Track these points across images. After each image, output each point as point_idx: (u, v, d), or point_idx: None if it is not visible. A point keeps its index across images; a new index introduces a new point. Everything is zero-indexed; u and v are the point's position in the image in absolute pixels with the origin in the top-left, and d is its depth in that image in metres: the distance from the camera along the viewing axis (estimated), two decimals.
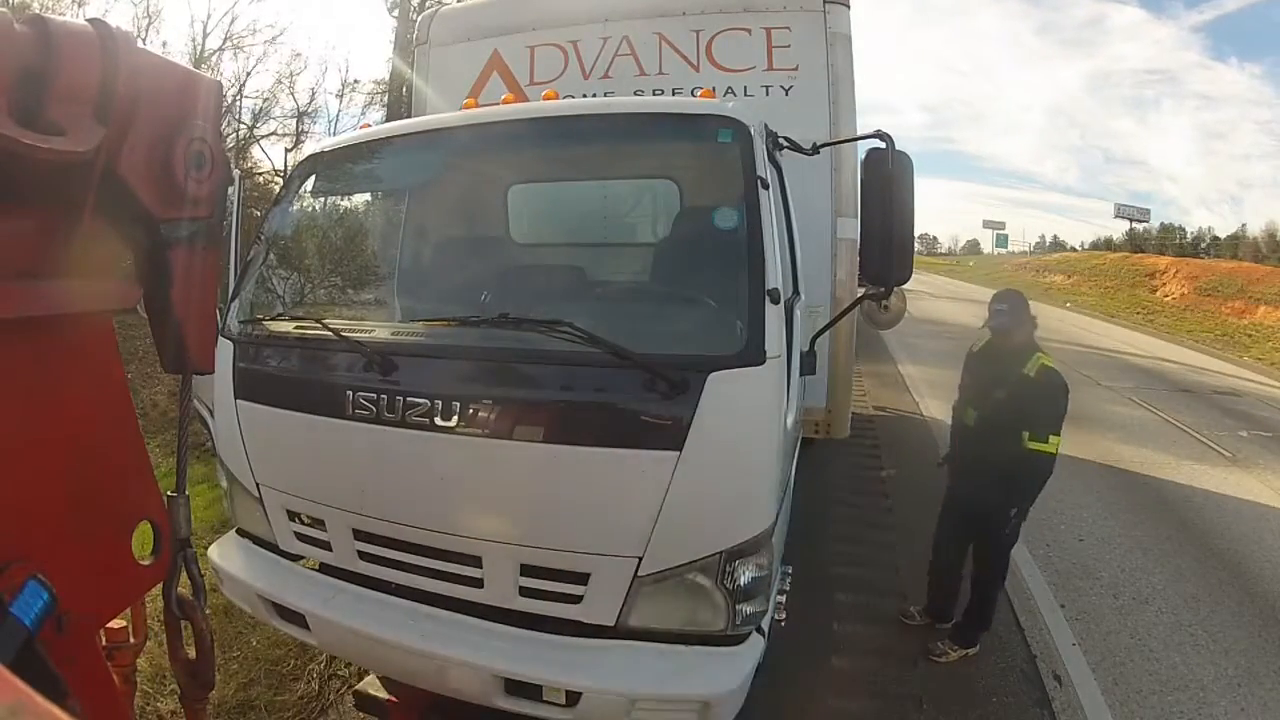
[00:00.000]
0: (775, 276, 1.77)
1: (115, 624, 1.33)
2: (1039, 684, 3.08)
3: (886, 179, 1.95)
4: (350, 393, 1.90)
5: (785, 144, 2.23)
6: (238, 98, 13.45)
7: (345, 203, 2.77)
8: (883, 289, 1.99)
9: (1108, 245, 53.29)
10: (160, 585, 1.10)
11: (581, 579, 1.77)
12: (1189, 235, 53.58)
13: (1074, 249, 61.91)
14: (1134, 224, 52.82)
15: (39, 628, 0.78)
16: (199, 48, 13.42)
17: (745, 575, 1.74)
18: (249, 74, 14.05)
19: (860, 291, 2.78)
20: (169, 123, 0.91)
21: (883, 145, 1.99)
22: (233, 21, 13.65)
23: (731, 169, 1.90)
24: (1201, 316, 22.69)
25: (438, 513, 1.86)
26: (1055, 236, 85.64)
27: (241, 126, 13.60)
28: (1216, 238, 52.07)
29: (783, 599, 2.06)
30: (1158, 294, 28.05)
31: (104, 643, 1.23)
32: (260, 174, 13.07)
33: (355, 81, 16.28)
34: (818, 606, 3.38)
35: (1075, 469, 6.00)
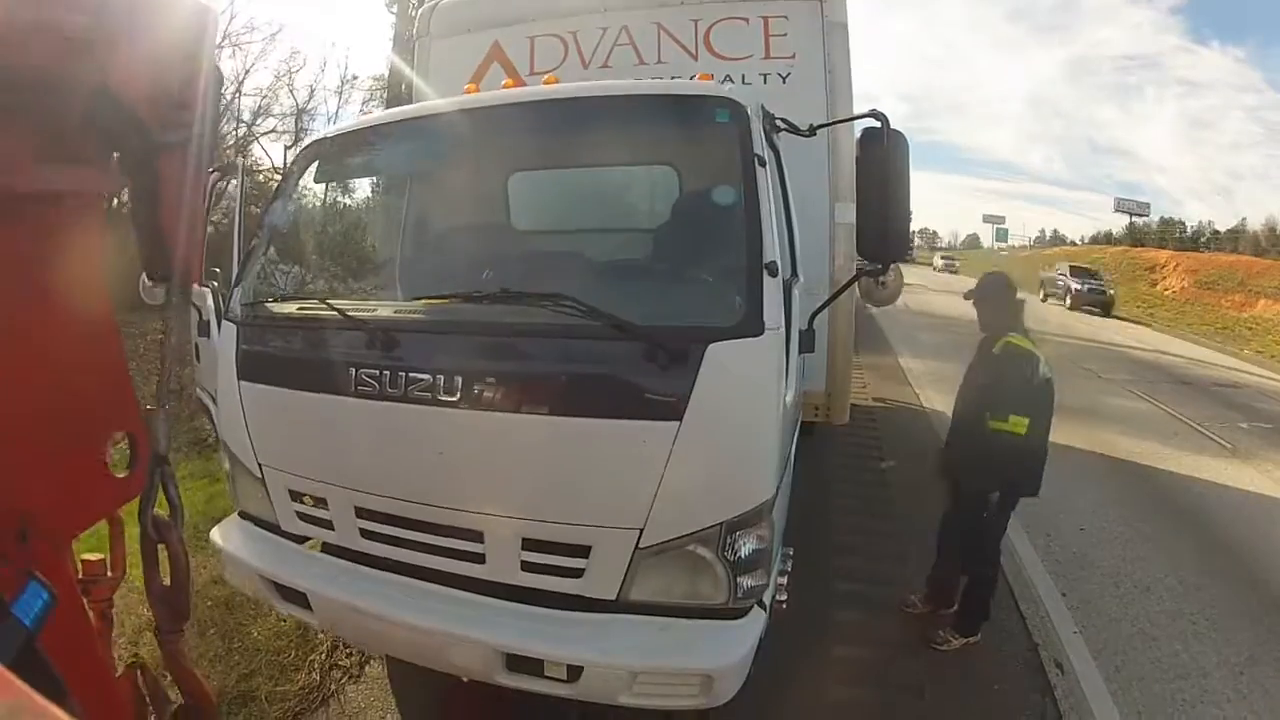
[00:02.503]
0: (773, 250, 1.78)
1: (93, 557, 1.27)
2: (1041, 672, 3.06)
3: (882, 157, 1.97)
4: (353, 370, 1.90)
5: (782, 125, 2.24)
6: (237, 95, 13.46)
7: (348, 189, 2.78)
8: (879, 265, 2.00)
9: (1108, 239, 53.43)
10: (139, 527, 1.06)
11: (583, 552, 1.78)
12: (1189, 229, 53.70)
13: (1074, 243, 62.07)
14: (1134, 218, 52.96)
15: (39, 628, 0.78)
16: None
17: (746, 547, 1.74)
18: (248, 71, 14.09)
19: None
20: (165, 31, 0.92)
21: (878, 124, 2.00)
22: (231, 19, 13.68)
23: (729, 147, 1.91)
24: (1202, 310, 22.67)
25: (439, 488, 1.87)
26: (1055, 231, 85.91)
27: (241, 125, 13.62)
28: (1216, 231, 52.20)
29: (784, 580, 2.06)
30: (1158, 287, 28.05)
31: (80, 575, 1.20)
32: (260, 171, 13.08)
33: (354, 78, 16.31)
34: (819, 595, 3.37)
35: (1076, 459, 5.99)
